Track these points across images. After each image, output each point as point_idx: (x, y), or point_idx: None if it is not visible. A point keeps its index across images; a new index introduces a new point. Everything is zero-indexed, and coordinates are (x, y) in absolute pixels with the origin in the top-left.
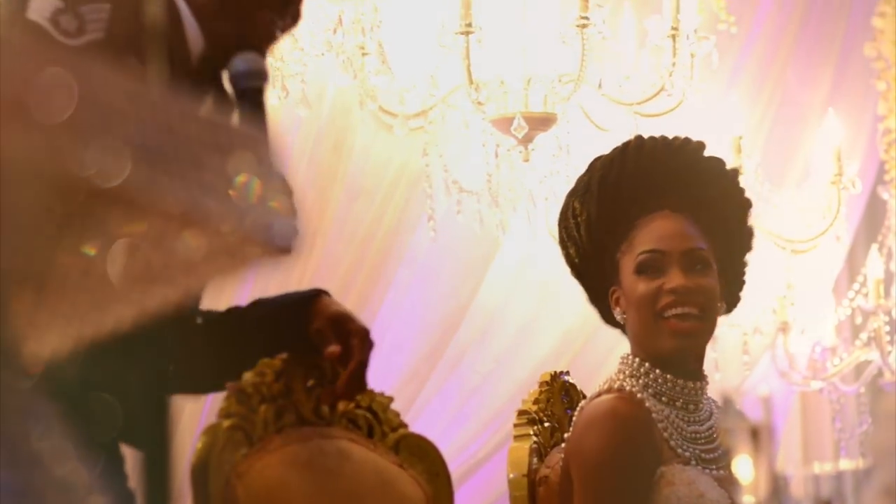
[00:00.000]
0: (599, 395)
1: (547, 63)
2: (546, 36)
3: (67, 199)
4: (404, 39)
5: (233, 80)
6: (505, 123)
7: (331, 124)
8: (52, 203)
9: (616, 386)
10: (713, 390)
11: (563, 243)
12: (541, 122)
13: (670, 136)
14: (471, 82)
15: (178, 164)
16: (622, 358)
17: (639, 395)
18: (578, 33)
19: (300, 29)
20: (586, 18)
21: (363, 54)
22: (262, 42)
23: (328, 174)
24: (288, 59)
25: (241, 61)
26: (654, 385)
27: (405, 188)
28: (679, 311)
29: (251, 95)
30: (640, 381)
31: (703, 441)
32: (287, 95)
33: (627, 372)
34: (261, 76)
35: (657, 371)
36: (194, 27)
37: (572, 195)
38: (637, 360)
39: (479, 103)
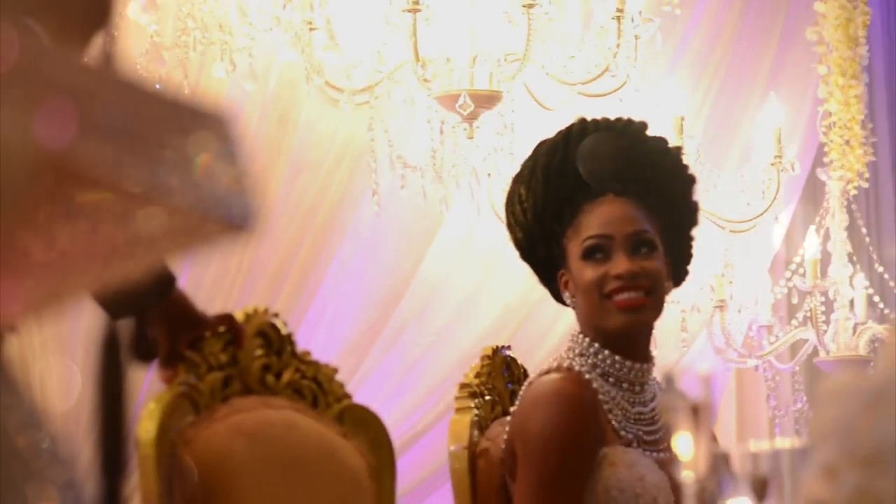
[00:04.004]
0: (548, 372)
1: (493, 42)
2: (493, 15)
3: (32, 175)
4: (352, 15)
5: None
6: (450, 100)
7: (277, 98)
8: (17, 179)
9: (565, 364)
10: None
11: (511, 228)
12: (486, 100)
13: (612, 118)
14: (417, 59)
15: (143, 143)
16: (572, 336)
17: (586, 376)
18: (525, 13)
19: (249, 3)
20: None
21: (311, 29)
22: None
23: (273, 148)
24: (236, 34)
25: None
26: (602, 365)
27: (350, 162)
28: (626, 295)
29: None
30: (589, 361)
31: (646, 422)
32: (234, 69)
33: (577, 350)
34: None
35: (606, 352)
36: None
37: (518, 181)
38: (587, 339)
39: (426, 80)
